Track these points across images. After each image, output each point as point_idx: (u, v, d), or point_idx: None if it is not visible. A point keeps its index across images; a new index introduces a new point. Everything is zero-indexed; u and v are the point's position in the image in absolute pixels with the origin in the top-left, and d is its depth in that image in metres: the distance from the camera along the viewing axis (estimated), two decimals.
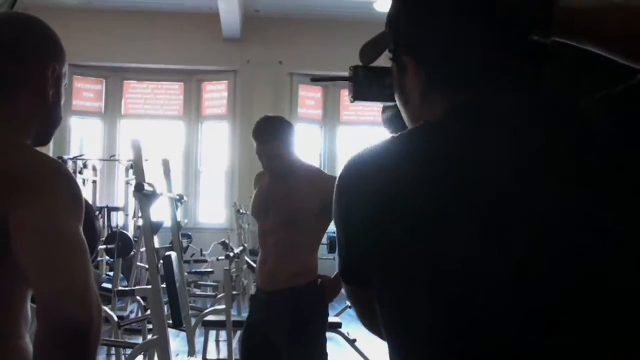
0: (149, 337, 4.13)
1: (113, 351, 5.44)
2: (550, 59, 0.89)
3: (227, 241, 6.49)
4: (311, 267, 2.85)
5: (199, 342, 5.54)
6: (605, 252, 0.77)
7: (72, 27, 10.44)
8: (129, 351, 4.77)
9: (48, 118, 1.36)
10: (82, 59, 10.78)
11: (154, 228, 2.89)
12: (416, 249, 0.83)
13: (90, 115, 11.42)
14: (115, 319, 4.96)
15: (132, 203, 9.34)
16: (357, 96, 1.02)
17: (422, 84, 0.91)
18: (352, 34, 10.77)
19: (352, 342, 5.21)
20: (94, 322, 1.03)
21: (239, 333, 4.60)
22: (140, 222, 4.12)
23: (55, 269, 1.05)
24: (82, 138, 11.40)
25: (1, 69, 1.27)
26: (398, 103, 0.97)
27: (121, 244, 5.84)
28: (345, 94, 11.62)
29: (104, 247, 6.04)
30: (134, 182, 3.02)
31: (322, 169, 10.65)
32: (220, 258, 6.33)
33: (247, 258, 5.80)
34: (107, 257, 7.31)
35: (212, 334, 6.12)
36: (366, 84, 1.01)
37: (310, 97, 11.53)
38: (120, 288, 5.03)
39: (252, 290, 5.70)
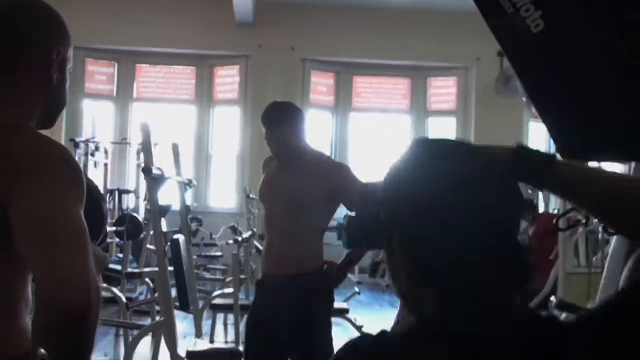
0: (157, 318, 4.16)
1: (121, 332, 5.47)
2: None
3: (235, 225, 6.50)
4: (317, 252, 2.84)
5: (206, 324, 5.58)
6: None
7: (84, 9, 10.45)
8: (136, 332, 4.81)
9: (52, 101, 1.36)
10: (94, 42, 10.80)
11: (162, 211, 2.90)
12: None
13: (102, 98, 11.44)
14: (124, 300, 5.00)
15: (143, 186, 9.35)
16: (350, 244, 1.07)
17: (409, 272, 0.94)
18: (366, 20, 10.84)
19: (359, 328, 5.22)
20: (92, 306, 1.04)
21: (246, 316, 4.62)
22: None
23: (55, 254, 1.06)
24: (94, 121, 11.44)
25: (4, 52, 1.27)
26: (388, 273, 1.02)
27: (131, 226, 5.86)
28: (357, 80, 11.66)
29: (114, 229, 6.07)
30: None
31: (333, 155, 10.68)
32: (229, 242, 6.35)
33: (255, 242, 5.82)
34: (117, 239, 7.36)
35: (220, 317, 6.15)
36: (358, 233, 1.06)
37: (322, 83, 11.50)
38: (129, 270, 5.05)
39: (260, 274, 5.71)
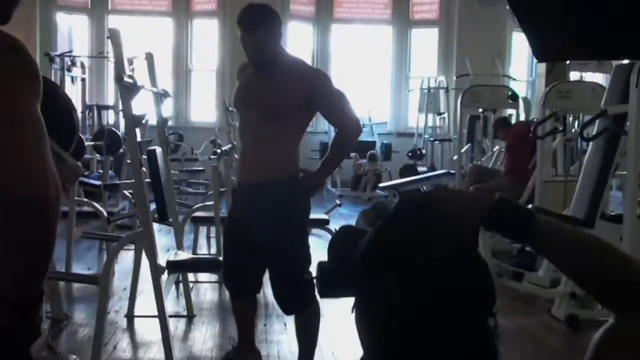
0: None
1: (104, 246, 5.52)
2: None
3: (215, 138, 6.46)
4: (292, 160, 2.81)
5: (189, 238, 5.63)
6: None
7: None
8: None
9: None
10: None
11: (136, 120, 2.85)
12: None
13: (76, 11, 11.10)
14: (105, 214, 5.02)
15: None
16: (323, 293, 1.08)
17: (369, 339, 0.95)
18: None
19: None
20: (51, 198, 1.02)
21: None
22: None
23: (13, 148, 1.03)
24: (70, 34, 11.14)
25: None
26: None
27: (109, 140, 5.82)
28: None
29: (92, 143, 6.02)
30: None
31: None
32: (212, 157, 6.33)
33: (235, 155, 5.79)
34: (98, 155, 7.32)
35: (203, 230, 6.21)
36: (331, 282, 1.06)
37: None
38: (107, 183, 5.04)
39: None
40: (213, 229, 5.66)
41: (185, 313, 4.11)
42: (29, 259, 1.08)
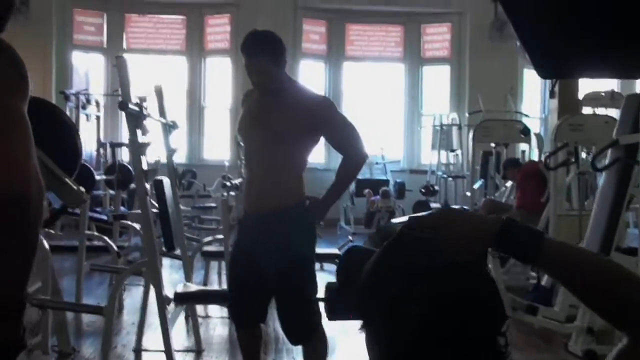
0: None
1: (114, 279, 5.48)
2: None
3: (226, 173, 6.46)
4: (298, 187, 2.79)
5: (200, 274, 5.59)
6: None
7: None
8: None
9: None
10: None
11: (142, 148, 2.85)
12: None
13: (92, 50, 11.27)
14: (115, 248, 5.01)
15: None
16: (331, 316, 1.06)
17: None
18: None
19: None
20: (32, 196, 1.00)
21: None
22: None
23: None
24: (86, 73, 11.30)
25: None
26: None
27: (121, 175, 5.83)
28: (350, 28, 11.49)
29: (104, 177, 6.04)
30: None
31: None
32: (224, 194, 6.33)
33: None
34: (110, 191, 7.33)
35: (215, 266, 6.17)
36: (339, 303, 1.05)
37: (314, 32, 11.33)
38: (115, 213, 5.04)
39: None
40: (225, 265, 5.61)
41: (194, 348, 4.05)
42: (8, 258, 1.05)
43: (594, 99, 8.14)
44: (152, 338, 3.97)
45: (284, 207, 2.71)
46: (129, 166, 6.54)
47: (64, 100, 9.22)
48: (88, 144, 10.23)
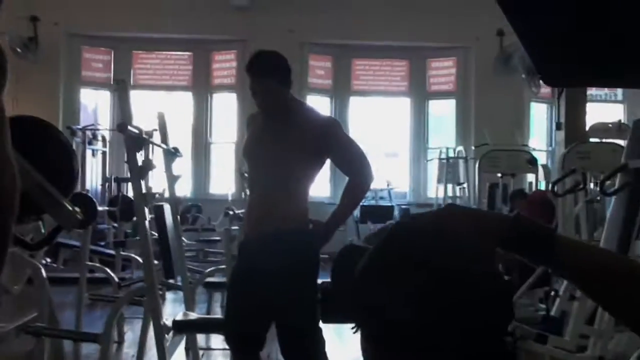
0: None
1: None
2: None
3: (229, 206, 6.41)
4: (302, 210, 2.72)
5: (203, 307, 5.51)
6: None
7: None
8: (128, 310, 4.75)
9: None
10: (90, 29, 10.74)
11: (142, 172, 2.81)
12: None
13: (100, 87, 11.35)
14: (116, 279, 4.95)
15: None
16: (326, 317, 0.99)
17: None
18: (363, 1, 10.69)
19: None
20: (5, 188, 0.95)
21: None
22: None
23: None
24: (95, 110, 11.38)
25: None
26: None
27: (124, 206, 5.79)
28: (356, 63, 11.54)
29: (107, 209, 6.01)
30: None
31: None
32: (228, 226, 6.28)
33: None
34: (113, 224, 7.30)
35: (218, 299, 6.08)
36: (334, 304, 1.00)
37: (320, 67, 11.39)
38: (116, 240, 4.98)
39: None
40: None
41: None
42: None
43: (601, 130, 8.10)
44: None
45: (286, 229, 2.64)
46: (132, 198, 6.53)
47: (71, 136, 9.25)
48: (94, 179, 10.26)
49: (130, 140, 2.74)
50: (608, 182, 4.00)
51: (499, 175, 7.27)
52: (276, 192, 2.68)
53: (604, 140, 7.80)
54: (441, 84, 11.61)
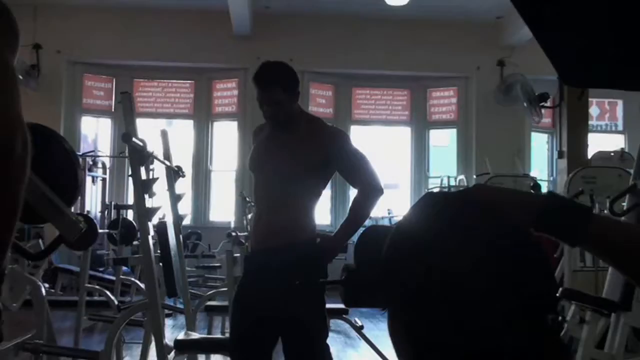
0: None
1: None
2: None
3: (232, 229, 6.36)
4: (309, 223, 2.67)
5: (203, 332, 5.40)
6: None
7: (82, 25, 10.45)
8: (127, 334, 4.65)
9: None
10: (92, 57, 10.79)
11: (145, 186, 2.76)
12: None
13: (100, 114, 11.36)
14: (116, 302, 4.87)
15: None
16: (348, 301, 0.98)
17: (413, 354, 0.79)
18: (364, 31, 10.80)
19: (358, 329, 5.03)
20: (16, 148, 0.91)
21: None
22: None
23: None
24: (94, 137, 11.37)
25: None
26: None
27: (124, 230, 5.73)
28: (356, 92, 11.58)
29: (107, 231, 5.94)
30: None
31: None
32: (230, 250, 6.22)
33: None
34: (112, 248, 7.23)
35: (218, 325, 5.98)
36: (357, 290, 0.96)
37: (321, 95, 11.42)
38: (114, 257, 4.91)
39: None
40: (229, 320, 5.44)
41: None
42: None
43: (604, 158, 8.09)
44: None
45: (293, 242, 2.58)
46: (133, 222, 6.45)
47: None
48: (93, 206, 10.20)
49: (134, 153, 2.70)
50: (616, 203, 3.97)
51: None
52: (282, 205, 2.63)
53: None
54: (442, 113, 11.64)
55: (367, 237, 0.92)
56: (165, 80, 11.46)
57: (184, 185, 4.33)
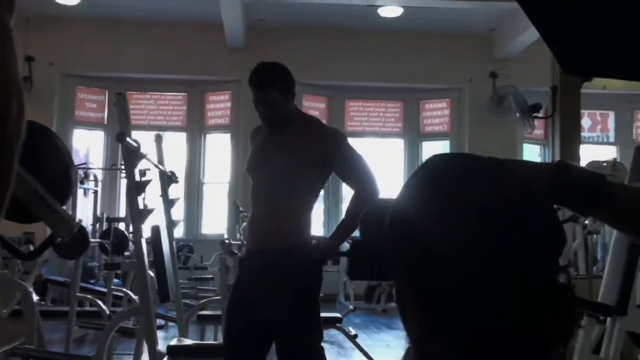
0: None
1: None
2: None
3: (224, 240, 6.32)
4: (305, 225, 2.64)
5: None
6: None
7: (75, 37, 10.44)
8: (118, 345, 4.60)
9: None
10: (84, 70, 10.77)
11: (138, 188, 2.73)
12: None
13: (93, 127, 11.32)
14: (107, 312, 4.81)
15: None
16: (353, 273, 0.95)
17: (421, 321, 0.77)
18: (357, 43, 10.84)
19: (352, 338, 5.00)
20: (11, 109, 0.88)
21: None
22: None
23: None
24: (87, 149, 11.32)
25: None
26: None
27: (116, 240, 5.68)
28: (349, 104, 11.60)
29: (98, 241, 5.89)
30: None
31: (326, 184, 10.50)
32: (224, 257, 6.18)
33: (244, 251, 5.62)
34: (105, 258, 7.15)
35: (210, 334, 5.92)
36: (362, 262, 0.94)
37: (314, 107, 11.42)
38: (107, 263, 4.87)
39: None
40: (221, 329, 5.39)
41: None
42: None
43: (596, 168, 8.10)
44: None
45: (288, 244, 2.56)
46: (125, 232, 6.40)
47: None
48: (84, 219, 10.12)
49: (128, 153, 2.68)
50: None
51: None
52: (279, 206, 2.61)
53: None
54: (435, 125, 11.66)
55: (372, 209, 0.90)
56: (158, 93, 11.45)
57: (176, 194, 4.33)
